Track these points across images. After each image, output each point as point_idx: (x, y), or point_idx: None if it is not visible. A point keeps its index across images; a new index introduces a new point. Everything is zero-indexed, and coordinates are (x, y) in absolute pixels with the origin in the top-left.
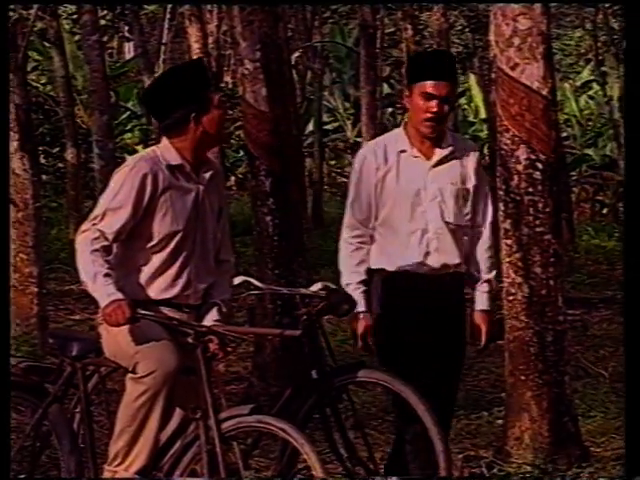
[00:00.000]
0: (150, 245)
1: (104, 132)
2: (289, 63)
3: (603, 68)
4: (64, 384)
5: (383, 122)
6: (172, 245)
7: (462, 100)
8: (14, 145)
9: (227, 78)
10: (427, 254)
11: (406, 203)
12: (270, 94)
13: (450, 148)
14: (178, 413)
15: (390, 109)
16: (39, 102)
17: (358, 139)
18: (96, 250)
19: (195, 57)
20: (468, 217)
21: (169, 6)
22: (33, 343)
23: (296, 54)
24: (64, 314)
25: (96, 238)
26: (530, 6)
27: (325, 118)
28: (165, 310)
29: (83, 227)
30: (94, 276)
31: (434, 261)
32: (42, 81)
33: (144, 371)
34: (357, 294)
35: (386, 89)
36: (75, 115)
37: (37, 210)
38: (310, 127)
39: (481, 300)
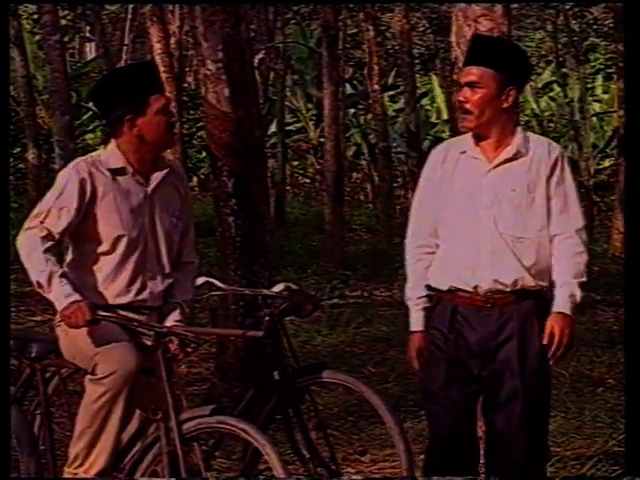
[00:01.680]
0: (99, 249)
1: (65, 132)
2: (251, 64)
3: (564, 69)
4: (23, 385)
5: (345, 123)
6: (120, 249)
7: (424, 101)
8: None
9: (189, 79)
10: (477, 269)
11: (459, 210)
12: (232, 95)
13: (516, 149)
14: (138, 414)
15: (352, 110)
16: None
17: (321, 139)
18: (48, 250)
19: (157, 57)
20: (537, 228)
21: (131, 6)
22: None
23: (259, 55)
24: (25, 315)
25: (45, 237)
26: (491, 7)
27: (288, 119)
28: (124, 312)
29: (28, 224)
30: (49, 277)
31: (484, 277)
32: None
33: (104, 372)
34: (415, 311)
35: (348, 90)
36: (36, 115)
37: None
38: (273, 128)
39: (559, 302)
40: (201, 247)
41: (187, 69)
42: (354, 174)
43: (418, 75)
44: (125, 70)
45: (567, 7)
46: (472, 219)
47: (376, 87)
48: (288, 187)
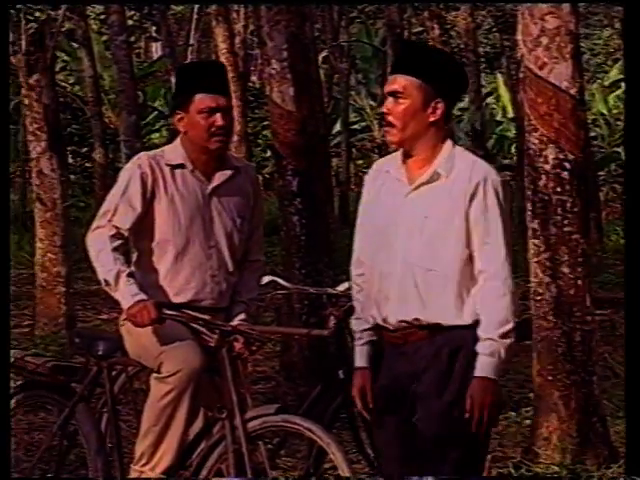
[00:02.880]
0: (156, 246)
1: (132, 132)
2: (316, 63)
3: None
4: (90, 383)
5: None
6: (175, 246)
7: (490, 99)
8: (42, 145)
9: (254, 78)
10: (386, 302)
11: (378, 237)
12: (297, 94)
13: (434, 170)
14: (203, 413)
15: None
16: (67, 102)
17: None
18: (116, 249)
19: (222, 57)
20: (451, 261)
21: (196, 6)
22: (61, 342)
23: (323, 54)
24: (92, 314)
25: (113, 235)
26: (558, 5)
27: (352, 118)
28: (190, 310)
29: (96, 224)
30: (117, 276)
31: (391, 312)
32: (70, 81)
33: (169, 371)
34: (359, 345)
35: None
36: (103, 115)
37: (65, 210)
38: (337, 127)
39: (480, 364)
40: (266, 246)
41: (252, 68)
42: None
43: (483, 74)
44: (186, 66)
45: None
46: (388, 248)
47: None
48: (352, 186)
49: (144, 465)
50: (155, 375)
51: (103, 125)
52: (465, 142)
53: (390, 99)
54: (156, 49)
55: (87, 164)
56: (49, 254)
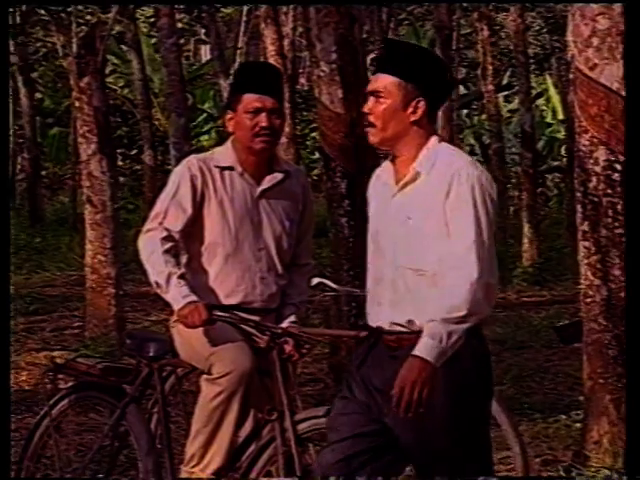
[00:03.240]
0: (205, 249)
1: (181, 134)
2: (365, 65)
3: None
4: (141, 385)
5: (459, 123)
6: (225, 249)
7: (540, 101)
8: (92, 148)
9: (303, 80)
10: (379, 306)
11: (373, 245)
12: (346, 96)
13: (415, 170)
14: (253, 414)
15: (465, 110)
16: (117, 105)
17: None
18: (167, 251)
19: (271, 59)
20: (436, 260)
21: (245, 9)
22: (111, 344)
23: (372, 56)
24: (141, 315)
25: (164, 238)
26: (609, 6)
27: None
28: (240, 312)
29: (147, 226)
30: (168, 277)
31: (384, 316)
32: (120, 84)
33: (219, 372)
34: None
35: (462, 90)
36: (152, 117)
37: (115, 212)
38: None
39: (418, 344)
40: (314, 248)
41: (300, 70)
42: None
43: (533, 75)
44: (241, 66)
45: None
46: (381, 253)
47: (490, 87)
48: None
49: (194, 466)
50: (206, 376)
51: (152, 127)
52: (514, 144)
53: (371, 99)
54: (205, 52)
55: (136, 166)
56: (99, 256)
